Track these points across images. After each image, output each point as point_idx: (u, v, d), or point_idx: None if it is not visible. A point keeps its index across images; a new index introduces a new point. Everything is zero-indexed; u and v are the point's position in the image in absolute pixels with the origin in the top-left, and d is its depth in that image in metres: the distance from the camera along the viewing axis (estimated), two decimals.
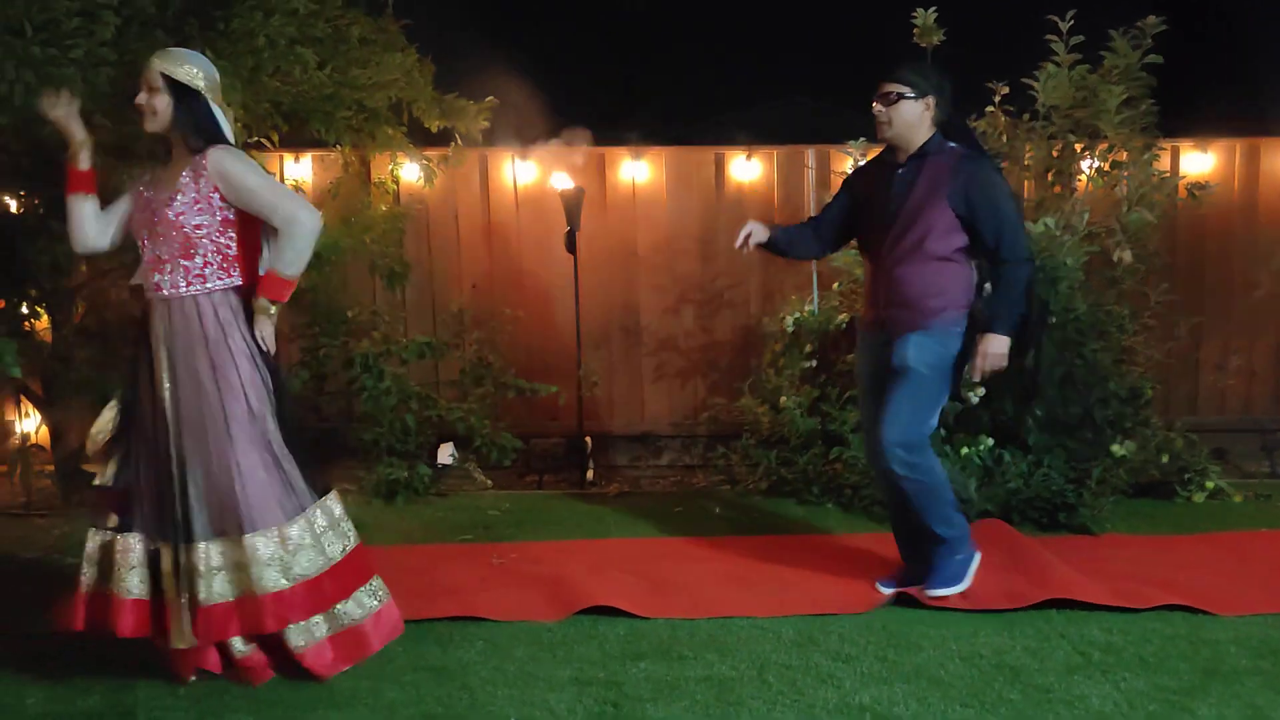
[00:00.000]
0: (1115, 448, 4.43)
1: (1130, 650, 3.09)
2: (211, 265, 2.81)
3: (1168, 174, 4.98)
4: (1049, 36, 4.68)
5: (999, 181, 3.37)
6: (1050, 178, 4.87)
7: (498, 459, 5.14)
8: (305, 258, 2.84)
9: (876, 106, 3.38)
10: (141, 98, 2.84)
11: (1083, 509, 4.26)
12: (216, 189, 2.80)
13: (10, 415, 5.31)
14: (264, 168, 5.27)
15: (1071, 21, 4.63)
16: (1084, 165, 4.80)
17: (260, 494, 2.77)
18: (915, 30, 4.70)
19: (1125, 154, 4.74)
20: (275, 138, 4.79)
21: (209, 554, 2.74)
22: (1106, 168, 4.75)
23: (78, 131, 2.86)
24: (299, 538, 2.80)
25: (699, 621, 3.35)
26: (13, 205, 4.45)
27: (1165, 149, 5.17)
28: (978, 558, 3.55)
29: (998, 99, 4.89)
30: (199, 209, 2.79)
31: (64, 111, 2.83)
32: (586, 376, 5.40)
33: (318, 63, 4.48)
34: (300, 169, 5.54)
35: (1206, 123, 5.63)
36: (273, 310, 2.84)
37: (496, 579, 3.76)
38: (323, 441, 5.42)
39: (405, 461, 4.89)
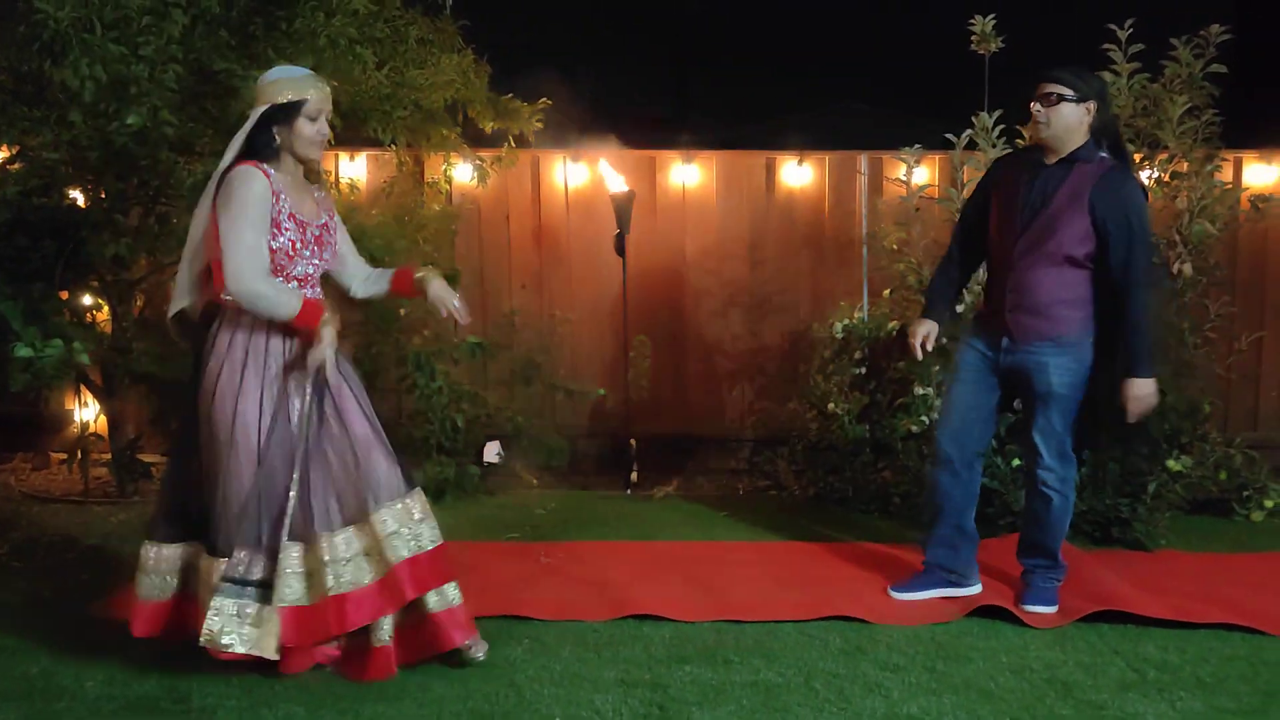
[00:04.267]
0: (1172, 463, 4.35)
1: (1187, 669, 3.03)
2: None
3: (1230, 186, 4.87)
4: (1107, 45, 4.61)
5: (1141, 201, 3.31)
6: None
7: (544, 459, 5.17)
8: None
9: (1035, 106, 3.31)
10: (322, 128, 2.97)
11: (1137, 524, 4.19)
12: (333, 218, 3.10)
13: (70, 404, 5.44)
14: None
15: (1131, 30, 4.56)
16: (1143, 176, 4.73)
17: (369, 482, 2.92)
18: (973, 38, 4.67)
19: (1186, 165, 4.65)
20: (331, 136, 4.85)
21: (338, 545, 2.85)
22: (1166, 178, 4.67)
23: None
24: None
25: (745, 626, 3.34)
26: (80, 199, 4.55)
27: (1228, 160, 5.07)
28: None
29: None
30: (331, 232, 3.06)
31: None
32: (633, 379, 5.41)
33: (376, 63, 4.53)
34: (355, 168, 5.60)
35: (1271, 134, 5.51)
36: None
37: (543, 578, 3.78)
38: None
39: (454, 460, 4.92)
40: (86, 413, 5.32)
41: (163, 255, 4.93)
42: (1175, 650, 3.16)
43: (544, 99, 5.35)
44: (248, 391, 2.82)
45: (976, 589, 3.58)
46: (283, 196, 2.87)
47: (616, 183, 5.17)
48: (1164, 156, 4.65)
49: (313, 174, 3.06)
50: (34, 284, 3.63)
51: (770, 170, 5.68)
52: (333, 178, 5.42)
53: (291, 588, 2.80)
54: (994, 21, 4.61)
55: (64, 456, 5.01)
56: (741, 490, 5.27)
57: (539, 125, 5.31)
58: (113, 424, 4.95)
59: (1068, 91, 3.26)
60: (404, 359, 4.90)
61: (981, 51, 4.68)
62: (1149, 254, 3.30)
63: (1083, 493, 4.22)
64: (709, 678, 2.98)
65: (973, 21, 4.65)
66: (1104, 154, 3.33)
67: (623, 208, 5.21)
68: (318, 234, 2.97)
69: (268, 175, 2.85)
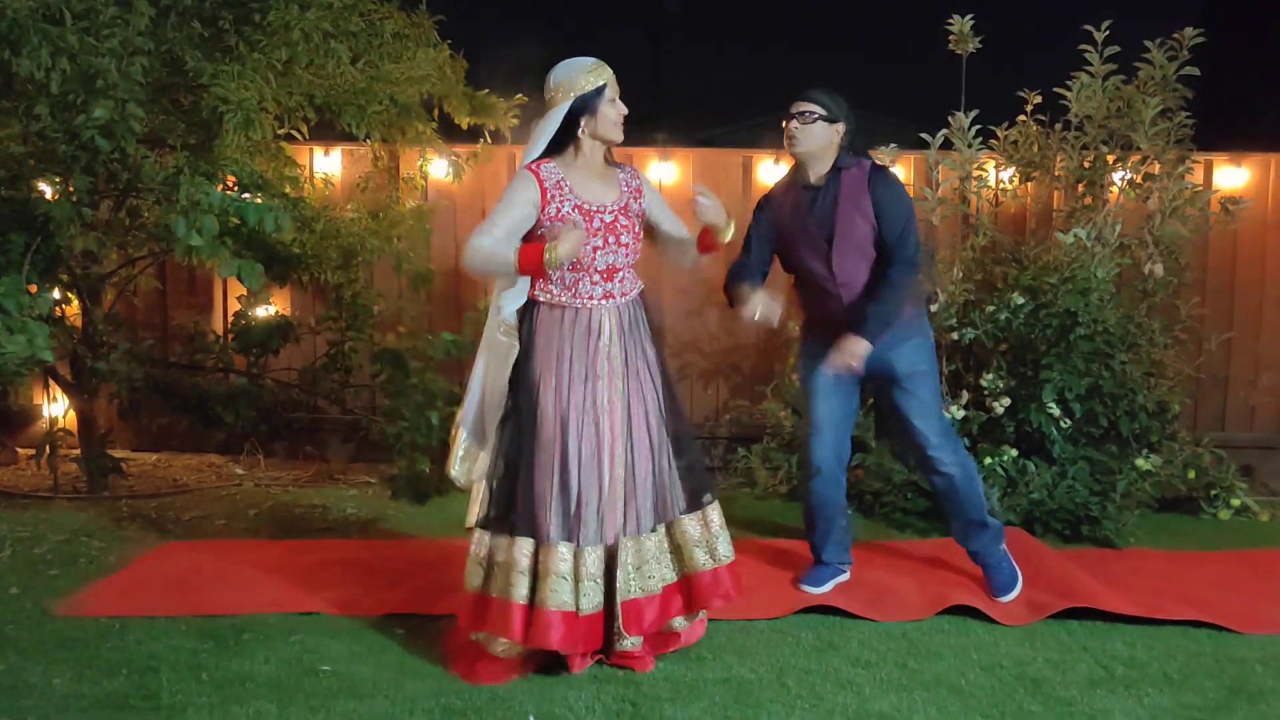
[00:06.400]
0: (1141, 461, 4.39)
1: (1155, 666, 3.07)
2: (635, 269, 3.07)
3: (1201, 188, 4.93)
4: (1083, 47, 4.65)
5: (903, 189, 3.52)
6: (1081, 189, 4.84)
7: None
8: None
9: (792, 124, 3.41)
10: (622, 109, 2.97)
11: (1106, 522, 4.23)
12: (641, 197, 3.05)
13: (38, 400, 5.37)
14: (294, 160, 5.30)
15: (1107, 32, 4.60)
16: (1116, 177, 4.77)
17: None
18: (951, 38, 4.69)
19: (1158, 166, 4.70)
20: (305, 130, 4.81)
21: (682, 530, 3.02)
22: (1139, 180, 4.71)
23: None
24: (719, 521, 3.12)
25: (718, 623, 3.34)
26: (48, 192, 4.49)
27: (1199, 162, 5.12)
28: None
29: (1029, 108, 4.86)
30: (637, 215, 3.02)
31: None
32: None
33: (351, 57, 4.50)
34: (330, 163, 5.56)
35: (1242, 137, 5.57)
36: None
37: None
38: (347, 434, 5.46)
39: (428, 457, 4.90)
40: (55, 408, 5.25)
41: (133, 249, 4.89)
42: (1143, 647, 3.19)
43: (520, 95, 5.33)
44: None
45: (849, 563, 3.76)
46: (564, 189, 2.90)
47: None
48: (1136, 158, 4.70)
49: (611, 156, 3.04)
50: (1, 278, 3.57)
51: (747, 168, 5.68)
52: (307, 172, 5.39)
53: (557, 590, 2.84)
54: (971, 21, 4.64)
55: (32, 452, 4.95)
56: (716, 487, 5.27)
57: (515, 121, 5.29)
58: (82, 419, 4.90)
59: (821, 111, 3.39)
60: (378, 355, 4.88)
61: (959, 51, 4.70)
62: (915, 236, 3.43)
63: (1053, 491, 4.26)
64: (682, 674, 2.98)
65: (950, 21, 4.68)
66: (860, 158, 3.49)
67: None
68: (610, 220, 2.94)
69: (540, 179, 2.89)
